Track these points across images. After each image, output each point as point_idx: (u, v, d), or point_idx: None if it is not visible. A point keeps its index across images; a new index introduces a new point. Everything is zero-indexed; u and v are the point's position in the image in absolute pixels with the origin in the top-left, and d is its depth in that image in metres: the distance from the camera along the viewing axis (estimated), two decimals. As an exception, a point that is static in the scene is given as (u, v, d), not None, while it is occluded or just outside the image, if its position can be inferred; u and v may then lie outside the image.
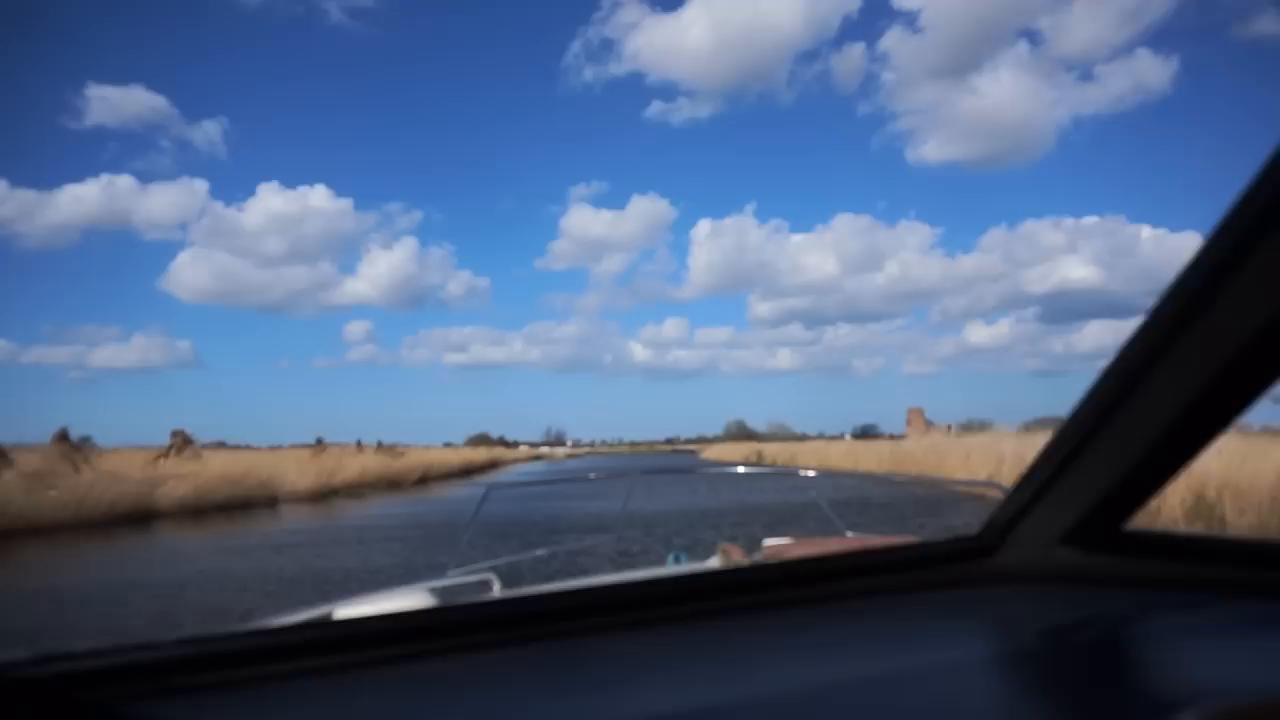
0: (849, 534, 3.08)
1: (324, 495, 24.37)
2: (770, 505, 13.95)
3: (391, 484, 30.34)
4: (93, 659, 0.54)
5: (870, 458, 32.45)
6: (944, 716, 0.54)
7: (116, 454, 23.45)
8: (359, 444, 40.63)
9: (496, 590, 2.36)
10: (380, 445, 41.94)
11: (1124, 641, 0.70)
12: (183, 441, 24.87)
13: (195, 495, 18.36)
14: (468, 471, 43.48)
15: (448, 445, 67.08)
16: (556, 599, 0.75)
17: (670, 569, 2.82)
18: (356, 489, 26.83)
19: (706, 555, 3.01)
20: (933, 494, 16.46)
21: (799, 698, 0.56)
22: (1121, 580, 0.81)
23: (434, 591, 2.20)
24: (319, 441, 35.92)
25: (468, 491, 27.00)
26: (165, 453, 24.10)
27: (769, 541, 2.77)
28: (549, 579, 3.07)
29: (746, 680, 0.61)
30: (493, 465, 54.80)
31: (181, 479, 19.10)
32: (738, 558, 2.70)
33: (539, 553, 3.51)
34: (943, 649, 0.68)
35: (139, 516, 16.38)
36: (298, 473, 24.76)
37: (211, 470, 21.34)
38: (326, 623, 0.76)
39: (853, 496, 17.18)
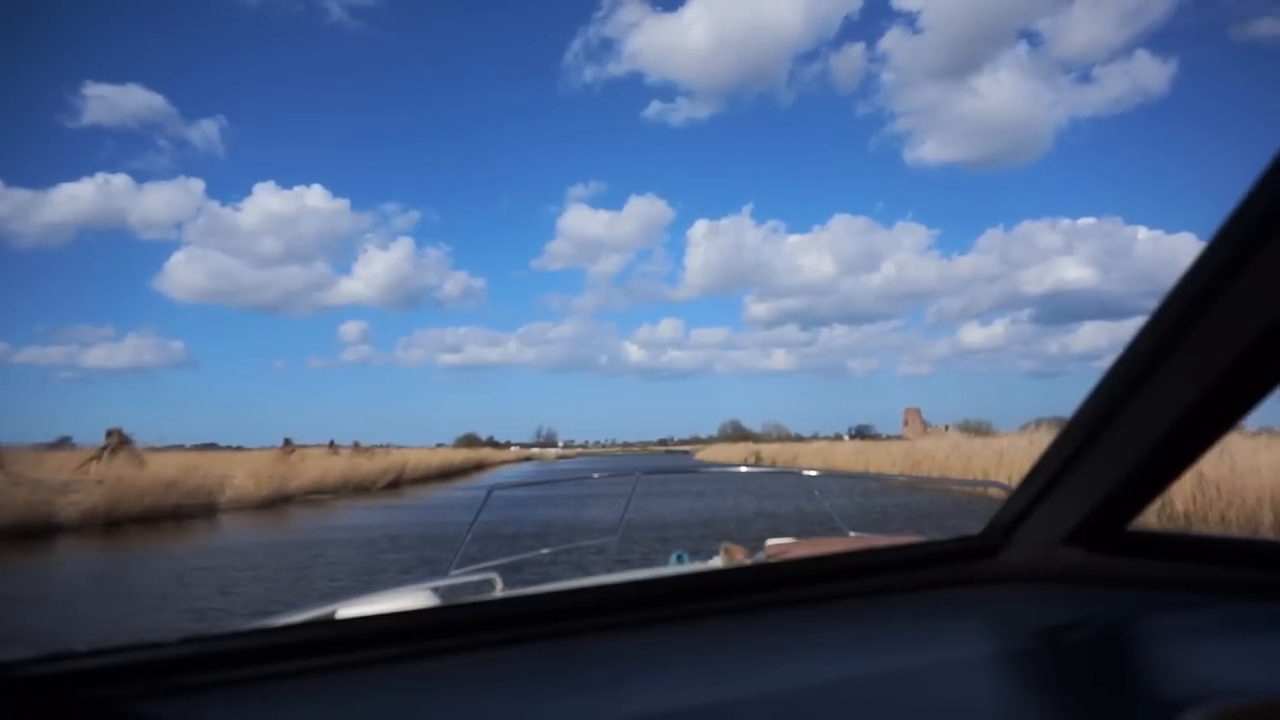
0: (852, 534, 3.15)
1: (276, 502, 21.73)
2: (790, 512, 12.21)
3: (359, 488, 27.68)
4: (96, 658, 0.54)
5: (881, 459, 30.02)
6: (948, 715, 0.54)
7: (52, 456, 20.83)
8: (332, 444, 38.02)
9: (499, 590, 2.42)
10: (356, 446, 39.28)
11: (1127, 642, 0.69)
12: (119, 442, 22.08)
13: (109, 505, 15.69)
14: (447, 474, 40.83)
15: (440, 446, 65.62)
16: (559, 599, 0.73)
17: (673, 569, 2.83)
18: (315, 495, 24.17)
19: (709, 555, 2.93)
20: (989, 499, 14.17)
21: (802, 696, 0.56)
22: (1125, 580, 0.81)
23: (436, 591, 2.31)
24: (287, 442, 33.10)
25: (446, 496, 24.84)
26: (98, 454, 21.33)
27: (772, 541, 2.67)
28: (551, 579, 3.10)
29: (749, 679, 0.60)
30: (478, 467, 52.24)
31: (100, 485, 16.44)
32: (740, 557, 2.62)
33: (544, 551, 3.63)
34: (946, 648, 0.68)
35: (30, 531, 13.74)
36: (251, 477, 22.09)
37: (144, 475, 18.65)
38: (329, 622, 0.70)
39: (888, 503, 14.95)
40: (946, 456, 23.99)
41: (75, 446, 22.86)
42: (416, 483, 34.20)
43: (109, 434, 22.42)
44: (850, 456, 34.32)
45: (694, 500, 16.61)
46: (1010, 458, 19.19)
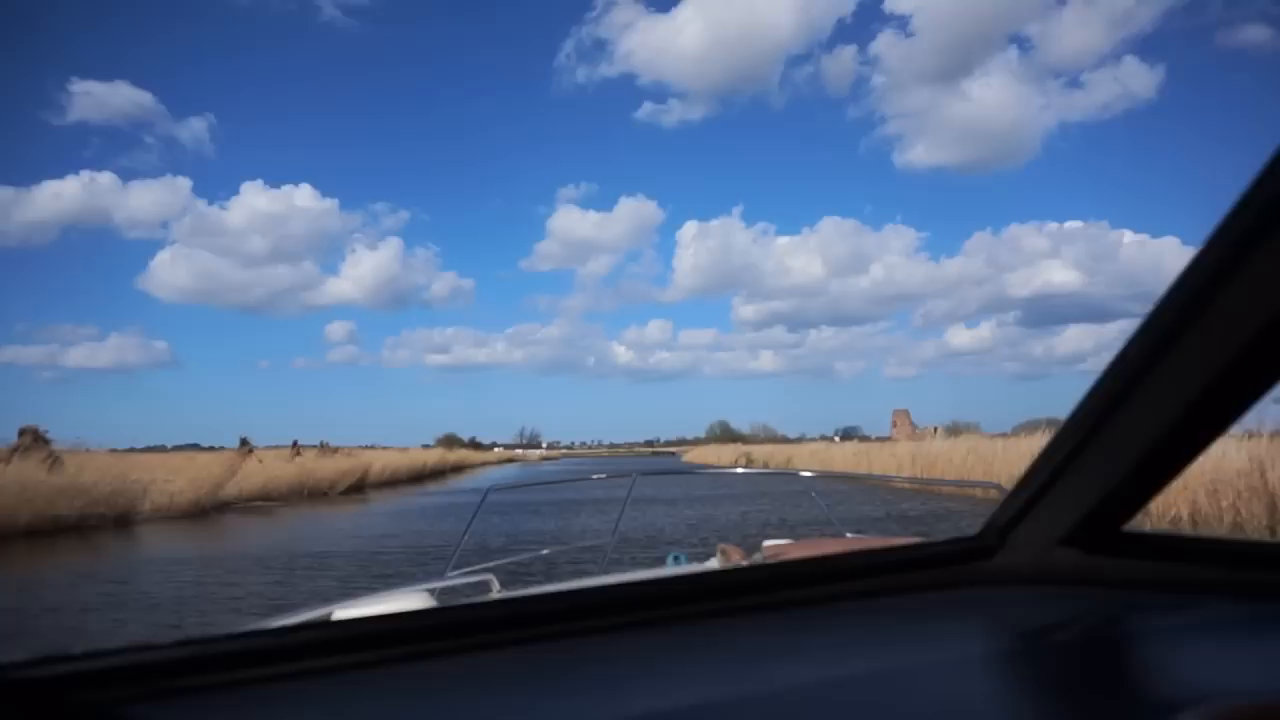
0: (849, 534, 3.17)
1: (210, 510, 19.16)
2: (812, 526, 9.82)
3: (314, 493, 25.08)
4: (92, 660, 0.53)
5: (887, 462, 27.75)
6: (944, 716, 0.54)
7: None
8: (295, 445, 35.32)
9: (496, 591, 2.38)
10: (323, 446, 36.58)
11: (1123, 642, 0.69)
12: (32, 441, 19.40)
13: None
14: (419, 477, 38.19)
15: (426, 447, 63.42)
16: (556, 599, 0.73)
17: (670, 569, 2.80)
18: (260, 502, 21.57)
19: (706, 556, 2.97)
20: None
21: (799, 695, 0.56)
22: (1121, 581, 0.80)
23: (433, 592, 2.25)
24: (243, 442, 30.36)
25: (412, 502, 22.44)
26: (6, 456, 18.62)
27: (769, 542, 2.59)
28: (548, 580, 3.32)
29: (747, 680, 0.60)
30: (455, 469, 49.61)
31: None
32: (738, 558, 2.56)
33: (544, 552, 3.98)
34: (943, 649, 0.68)
35: None
36: (188, 482, 19.49)
37: (54, 480, 16.04)
38: (326, 624, 0.70)
39: (921, 509, 12.74)
40: (964, 459, 21.70)
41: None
42: (383, 486, 31.61)
43: (21, 432, 19.70)
44: (850, 459, 32.05)
45: (697, 508, 14.86)
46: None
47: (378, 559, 10.90)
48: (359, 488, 28.96)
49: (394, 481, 33.79)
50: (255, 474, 23.36)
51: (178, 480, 19.30)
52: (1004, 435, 25.29)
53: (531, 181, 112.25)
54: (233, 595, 8.57)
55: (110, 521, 15.69)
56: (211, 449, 30.74)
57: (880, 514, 14.43)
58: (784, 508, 12.55)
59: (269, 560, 10.92)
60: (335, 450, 36.00)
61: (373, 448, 46.27)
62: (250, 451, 28.11)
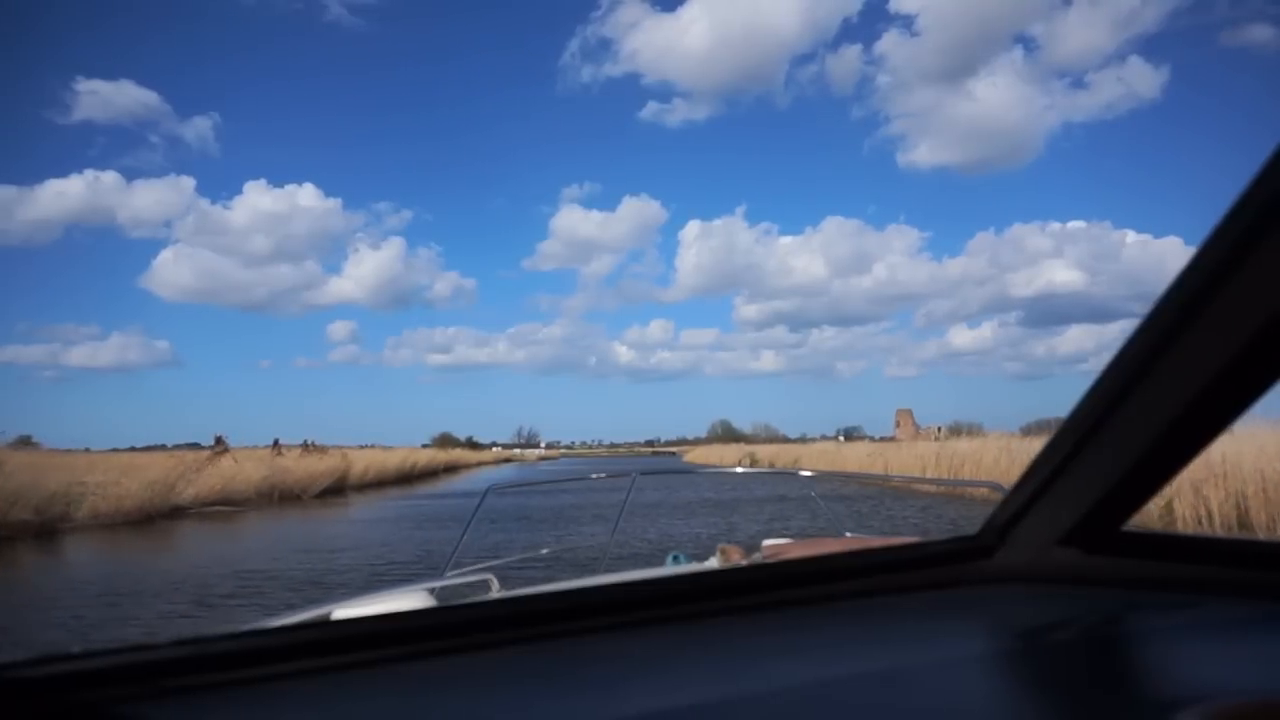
0: (848, 534, 3.17)
1: (158, 516, 17.19)
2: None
3: (285, 496, 23.11)
4: (90, 660, 0.53)
5: (906, 463, 25.80)
6: (944, 715, 0.54)
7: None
8: (276, 444, 33.38)
9: (495, 590, 2.41)
10: (306, 446, 34.61)
11: (1123, 642, 0.69)
12: (-35, 439, 17.48)
13: None
14: (408, 478, 36.19)
15: (424, 446, 62.85)
16: (556, 599, 0.72)
17: (670, 569, 2.75)
18: (220, 506, 19.58)
19: (706, 555, 2.96)
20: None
21: (798, 695, 0.56)
22: (1119, 581, 0.80)
23: (433, 592, 2.25)
24: (218, 441, 28.38)
25: (394, 507, 20.62)
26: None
27: (768, 542, 2.56)
28: (547, 579, 3.13)
29: (746, 679, 0.60)
30: (449, 469, 47.66)
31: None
32: (737, 558, 2.52)
33: (543, 551, 4.13)
34: (942, 648, 0.68)
35: None
36: (137, 485, 17.55)
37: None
38: (325, 623, 0.70)
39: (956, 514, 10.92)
40: (995, 460, 19.75)
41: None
42: (367, 488, 29.63)
43: (-45, 429, 17.83)
44: (864, 459, 30.01)
45: (712, 515, 13.24)
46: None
47: (324, 579, 9.02)
48: (339, 490, 27.00)
49: (380, 483, 31.84)
50: (219, 476, 21.39)
51: (126, 483, 17.36)
52: (1022, 435, 23.42)
53: (535, 181, 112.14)
54: (117, 636, 6.65)
55: (32, 530, 13.73)
56: (207, 448, 29.36)
57: (919, 520, 12.64)
58: (817, 519, 10.65)
59: (187, 582, 9.00)
60: (321, 449, 34.03)
61: (372, 447, 44.64)
62: (225, 450, 26.12)
